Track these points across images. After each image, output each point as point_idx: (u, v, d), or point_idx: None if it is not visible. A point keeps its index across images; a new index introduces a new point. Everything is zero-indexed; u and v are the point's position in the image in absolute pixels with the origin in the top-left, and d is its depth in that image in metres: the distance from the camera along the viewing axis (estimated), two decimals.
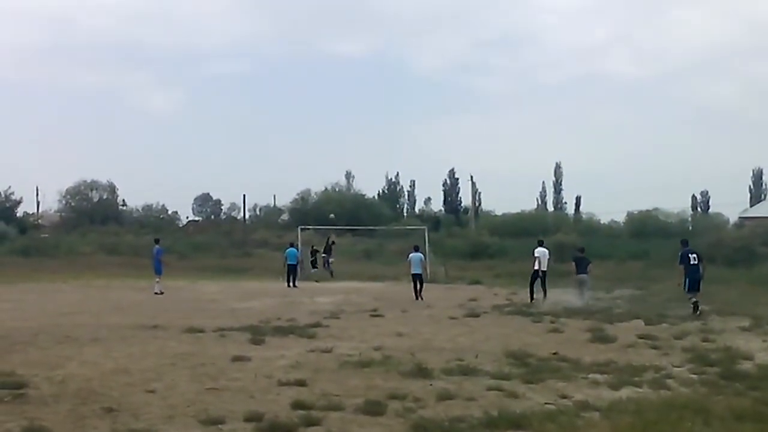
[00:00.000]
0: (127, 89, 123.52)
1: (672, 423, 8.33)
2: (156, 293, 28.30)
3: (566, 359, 12.95)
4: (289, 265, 35.04)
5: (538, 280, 26.52)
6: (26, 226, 68.29)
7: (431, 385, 10.49)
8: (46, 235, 66.81)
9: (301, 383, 10.43)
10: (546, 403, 9.44)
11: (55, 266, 44.75)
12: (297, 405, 9.04)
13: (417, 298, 26.76)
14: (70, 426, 8.09)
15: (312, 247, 43.68)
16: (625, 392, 10.21)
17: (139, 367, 11.81)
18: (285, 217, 78.90)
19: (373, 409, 8.91)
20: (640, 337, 15.91)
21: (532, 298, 25.90)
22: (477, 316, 20.75)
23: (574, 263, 25.96)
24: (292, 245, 36.89)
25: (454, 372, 11.48)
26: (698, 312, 21.10)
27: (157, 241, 33.33)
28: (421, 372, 11.29)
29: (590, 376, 11.42)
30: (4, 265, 45.10)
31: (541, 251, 26.98)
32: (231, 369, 11.74)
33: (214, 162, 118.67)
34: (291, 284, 33.82)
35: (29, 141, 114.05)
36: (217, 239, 65.47)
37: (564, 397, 9.85)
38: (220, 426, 8.17)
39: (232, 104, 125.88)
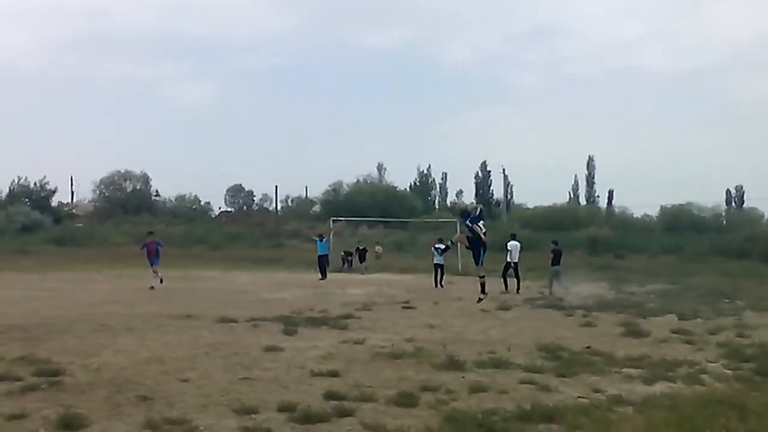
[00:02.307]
0: (161, 81, 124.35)
1: (707, 418, 8.25)
2: (152, 287, 25.98)
3: (599, 353, 12.89)
4: (319, 256, 35.11)
5: (510, 270, 27.99)
6: (61, 215, 69.00)
7: (464, 377, 10.47)
8: (81, 225, 67.52)
9: (333, 374, 10.44)
10: (579, 397, 9.39)
11: (89, 255, 45.22)
12: (330, 395, 9.05)
13: (436, 286, 29.29)
14: (105, 414, 8.15)
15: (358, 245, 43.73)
16: (659, 387, 10.14)
17: (173, 356, 11.88)
18: (317, 208, 79.09)
19: (406, 400, 8.90)
20: (674, 332, 15.80)
21: (506, 287, 27.19)
22: (509, 309, 20.69)
23: (551, 255, 27.37)
24: (321, 237, 36.85)
25: (486, 364, 11.46)
26: None
27: (150, 233, 31.09)
28: (454, 364, 11.27)
29: (623, 370, 11.35)
30: (39, 254, 45.69)
31: (513, 244, 28.70)
32: (264, 359, 11.78)
33: (247, 153, 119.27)
34: (323, 277, 33.82)
35: (64, 132, 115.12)
36: (250, 230, 65.85)
37: (597, 391, 9.79)
38: (253, 415, 8.19)
39: (265, 96, 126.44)
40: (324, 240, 36.36)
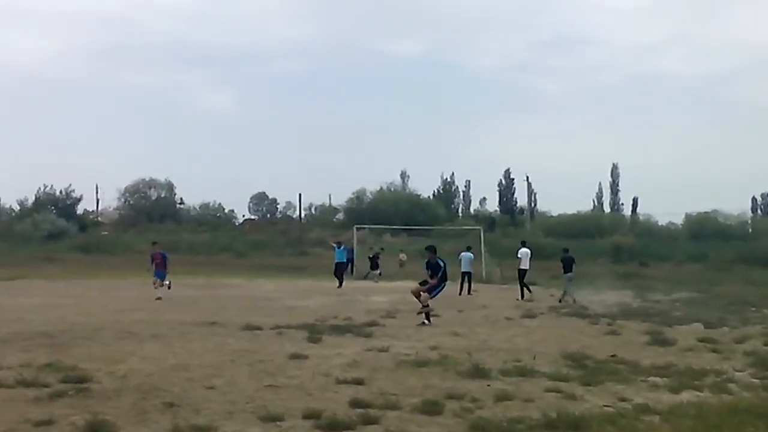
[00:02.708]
0: (185, 89, 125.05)
1: (734, 427, 8.20)
2: (159, 297, 24.61)
3: (624, 362, 12.83)
4: (337, 263, 35.03)
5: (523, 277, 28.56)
6: (86, 223, 69.48)
7: (489, 385, 10.44)
8: (106, 233, 67.92)
9: (358, 382, 10.45)
10: (605, 406, 9.34)
11: (114, 263, 45.44)
12: (355, 403, 9.05)
13: (460, 293, 29.34)
14: (132, 420, 8.19)
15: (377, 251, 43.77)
16: (685, 396, 10.08)
17: (198, 363, 11.93)
18: (340, 216, 79.21)
19: (431, 408, 8.88)
20: (700, 341, 15.70)
21: (523, 295, 27.77)
22: (533, 317, 20.66)
23: (561, 263, 27.92)
24: (339, 244, 36.68)
25: (511, 373, 11.43)
26: None
27: (155, 243, 29.79)
28: (479, 372, 11.25)
29: (649, 379, 11.28)
30: (65, 262, 46.02)
31: (523, 252, 29.21)
32: (289, 366, 11.81)
33: (271, 161, 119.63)
34: (340, 284, 33.78)
35: (89, 140, 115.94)
36: (273, 238, 66.02)
37: (623, 399, 9.74)
38: (279, 423, 8.21)
39: (288, 104, 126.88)
40: (342, 247, 36.21)
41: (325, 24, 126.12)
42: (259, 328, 16.42)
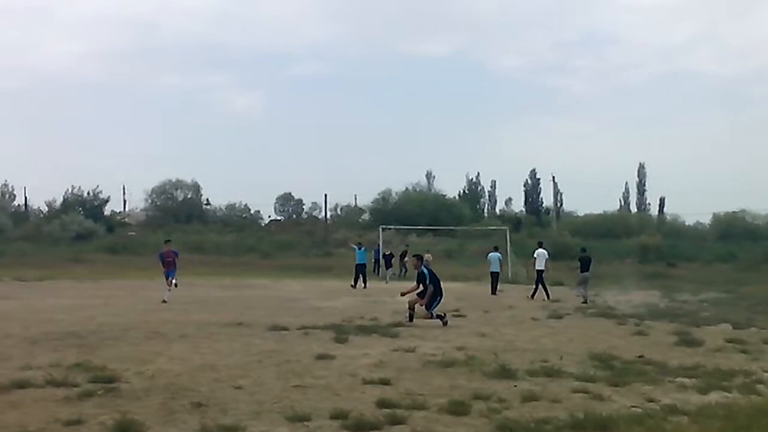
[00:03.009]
0: (211, 90, 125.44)
1: (763, 428, 8.15)
2: (164, 300, 23.72)
3: (652, 362, 12.77)
4: (357, 264, 35.07)
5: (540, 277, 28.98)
6: (114, 224, 69.94)
7: (515, 386, 10.43)
8: (133, 233, 68.31)
9: (385, 382, 10.46)
10: (632, 407, 9.30)
11: (142, 263, 45.66)
12: (382, 403, 9.06)
13: (493, 293, 30.06)
14: (161, 420, 8.24)
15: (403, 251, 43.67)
16: (714, 397, 10.02)
17: (226, 364, 11.99)
18: (366, 216, 79.22)
19: (458, 408, 8.88)
20: (729, 341, 15.61)
21: (548, 295, 28.12)
22: (560, 317, 20.60)
23: (579, 262, 28.44)
24: (360, 245, 36.61)
25: (538, 373, 11.41)
26: None
27: (168, 241, 28.55)
28: (505, 372, 11.24)
29: (677, 379, 11.22)
30: (93, 262, 46.38)
31: (540, 252, 29.82)
32: (316, 367, 11.84)
33: (296, 162, 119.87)
34: (354, 284, 33.75)
35: (116, 141, 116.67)
36: (299, 238, 66.18)
37: (651, 400, 9.69)
38: (306, 423, 8.24)
39: (313, 105, 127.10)
40: (363, 248, 36.17)
41: (350, 25, 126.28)
42: (285, 329, 16.48)
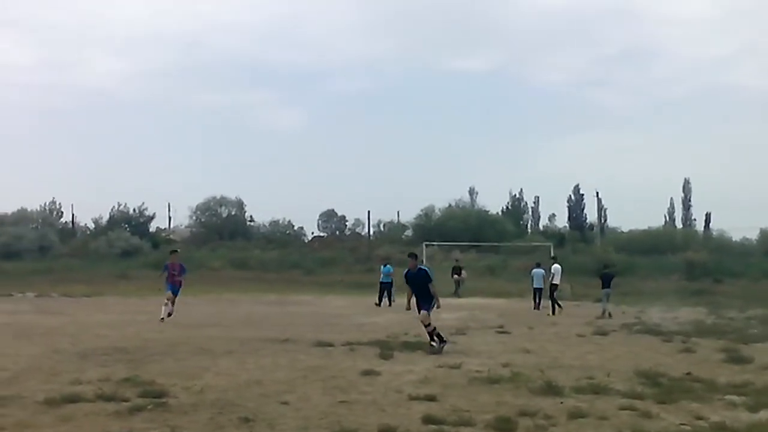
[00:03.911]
0: (254, 107, 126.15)
1: None
2: (162, 319, 21.73)
3: (700, 380, 12.65)
4: (381, 282, 34.14)
5: (555, 293, 29.72)
6: (159, 240, 70.46)
7: (562, 402, 10.38)
8: (178, 250, 68.81)
9: (430, 398, 10.46)
10: (681, 424, 9.23)
11: (186, 280, 46.00)
12: (428, 419, 9.07)
13: (535, 308, 30.25)
14: None
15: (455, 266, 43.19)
16: (764, 415, 9.90)
17: (272, 379, 12.08)
18: (409, 233, 79.16)
19: (504, 425, 8.87)
20: None
21: (559, 307, 29.05)
22: (605, 334, 20.45)
23: (600, 279, 29.07)
24: (386, 263, 35.46)
25: (584, 390, 11.35)
26: None
27: (174, 251, 26.68)
28: (551, 389, 11.20)
29: (726, 397, 11.11)
30: (139, 279, 46.77)
31: (555, 268, 30.48)
32: (361, 383, 11.88)
33: (339, 178, 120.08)
34: (379, 302, 32.66)
35: (162, 159, 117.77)
36: (342, 255, 66.26)
37: (699, 418, 9.60)
38: None
39: (356, 121, 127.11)
40: (388, 266, 34.59)
41: (391, 41, 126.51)
42: (330, 345, 16.54)
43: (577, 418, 9.38)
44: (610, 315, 26.82)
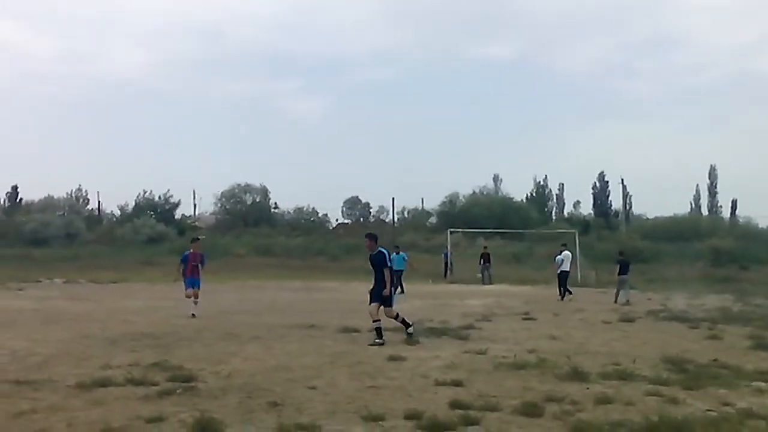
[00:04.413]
0: (277, 96, 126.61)
1: None
2: (193, 315, 19.94)
3: (727, 366, 12.60)
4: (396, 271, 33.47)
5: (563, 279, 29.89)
6: (184, 227, 70.87)
7: (588, 388, 10.39)
8: (203, 237, 69.19)
9: (457, 383, 10.50)
10: (708, 410, 9.21)
11: (212, 267, 46.17)
12: (455, 404, 9.11)
13: (561, 297, 29.39)
14: (239, 418, 8.40)
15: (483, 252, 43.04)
16: None
17: (299, 365, 12.15)
18: (433, 220, 79.20)
19: (531, 410, 8.89)
20: None
21: (567, 294, 29.37)
22: (631, 321, 20.40)
23: (617, 265, 28.82)
24: (397, 250, 35.17)
25: (611, 376, 11.33)
26: None
27: (195, 240, 24.62)
28: (578, 375, 11.20)
29: (753, 383, 11.06)
30: (164, 265, 46.94)
31: (565, 254, 30.60)
32: (388, 368, 11.94)
33: (363, 165, 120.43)
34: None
35: (187, 147, 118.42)
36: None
37: (726, 404, 9.58)
38: (381, 422, 8.32)
39: (379, 109, 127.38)
40: (401, 254, 34.52)
41: (415, 29, 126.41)
42: (356, 331, 16.63)
43: (604, 404, 9.39)
44: (628, 302, 26.79)
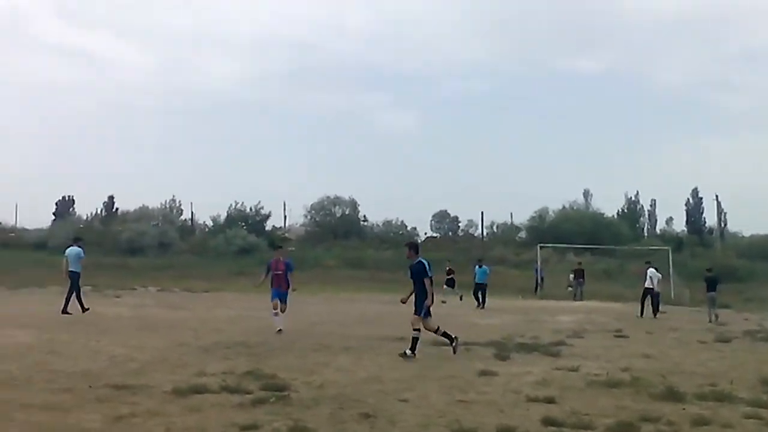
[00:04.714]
0: (367, 109, 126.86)
1: None
2: (280, 330, 18.52)
3: None
4: (476, 283, 34.33)
5: (649, 297, 29.58)
6: (274, 239, 71.67)
7: (684, 409, 10.19)
8: (293, 249, 69.94)
9: (549, 400, 10.39)
10: None
11: (302, 278, 46.67)
12: (547, 421, 9.02)
13: (653, 312, 29.33)
14: (331, 428, 8.45)
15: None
16: None
17: (389, 377, 12.19)
18: (522, 234, 78.54)
19: (626, 430, 8.75)
20: None
21: (642, 313, 28.99)
22: (728, 341, 19.93)
23: (705, 282, 29.22)
24: (479, 263, 35.58)
25: (707, 397, 11.07)
26: None
27: (279, 247, 24.80)
28: (673, 395, 10.97)
29: None
30: (255, 276, 47.70)
31: (650, 271, 30.23)
32: (479, 383, 11.89)
33: (452, 179, 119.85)
34: (478, 303, 33.07)
35: (277, 159, 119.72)
36: (455, 255, 66.19)
37: None
38: None
39: (469, 123, 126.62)
40: (483, 267, 34.92)
41: (505, 42, 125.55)
42: (446, 344, 16.58)
43: (701, 426, 9.19)
44: (716, 317, 26.63)
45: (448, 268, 38.68)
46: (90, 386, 10.55)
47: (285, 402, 9.78)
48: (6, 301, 27.68)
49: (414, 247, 16.12)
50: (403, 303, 15.80)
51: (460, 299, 35.72)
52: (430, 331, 15.43)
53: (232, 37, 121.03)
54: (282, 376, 11.56)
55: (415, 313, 15.18)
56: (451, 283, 38.16)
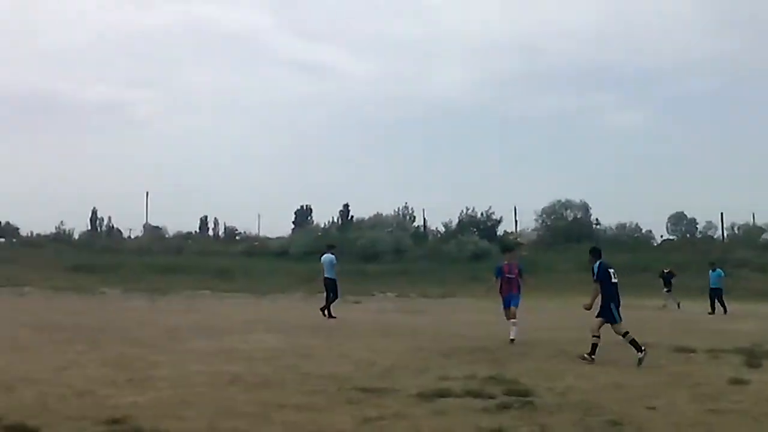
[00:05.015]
0: (596, 110, 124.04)
1: None
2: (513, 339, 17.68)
3: None
4: (711, 288, 33.30)
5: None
6: (509, 243, 71.65)
7: None
8: (525, 254, 69.63)
9: None
10: None
11: (537, 284, 46.43)
12: None
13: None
14: None
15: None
16: None
17: (633, 384, 11.93)
18: (766, 236, 74.54)
19: None
20: None
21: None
22: None
23: None
24: (714, 266, 34.23)
25: None
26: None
27: (509, 250, 24.55)
28: None
29: None
30: (487, 281, 47.92)
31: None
32: (730, 391, 11.40)
33: (689, 180, 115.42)
34: (712, 310, 31.79)
35: (507, 163, 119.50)
36: (693, 258, 63.82)
37: None
38: None
39: (704, 120, 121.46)
40: (717, 270, 33.44)
41: (740, 37, 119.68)
42: (692, 351, 16.05)
43: None
44: None
45: (668, 271, 37.11)
46: (339, 388, 10.97)
47: (529, 408, 9.76)
48: (254, 308, 29.20)
49: (591, 252, 16.11)
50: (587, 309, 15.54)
51: (678, 306, 34.30)
52: (618, 334, 14.99)
53: (460, 43, 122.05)
54: (524, 382, 11.56)
55: (601, 318, 15.08)
56: (669, 287, 36.95)
